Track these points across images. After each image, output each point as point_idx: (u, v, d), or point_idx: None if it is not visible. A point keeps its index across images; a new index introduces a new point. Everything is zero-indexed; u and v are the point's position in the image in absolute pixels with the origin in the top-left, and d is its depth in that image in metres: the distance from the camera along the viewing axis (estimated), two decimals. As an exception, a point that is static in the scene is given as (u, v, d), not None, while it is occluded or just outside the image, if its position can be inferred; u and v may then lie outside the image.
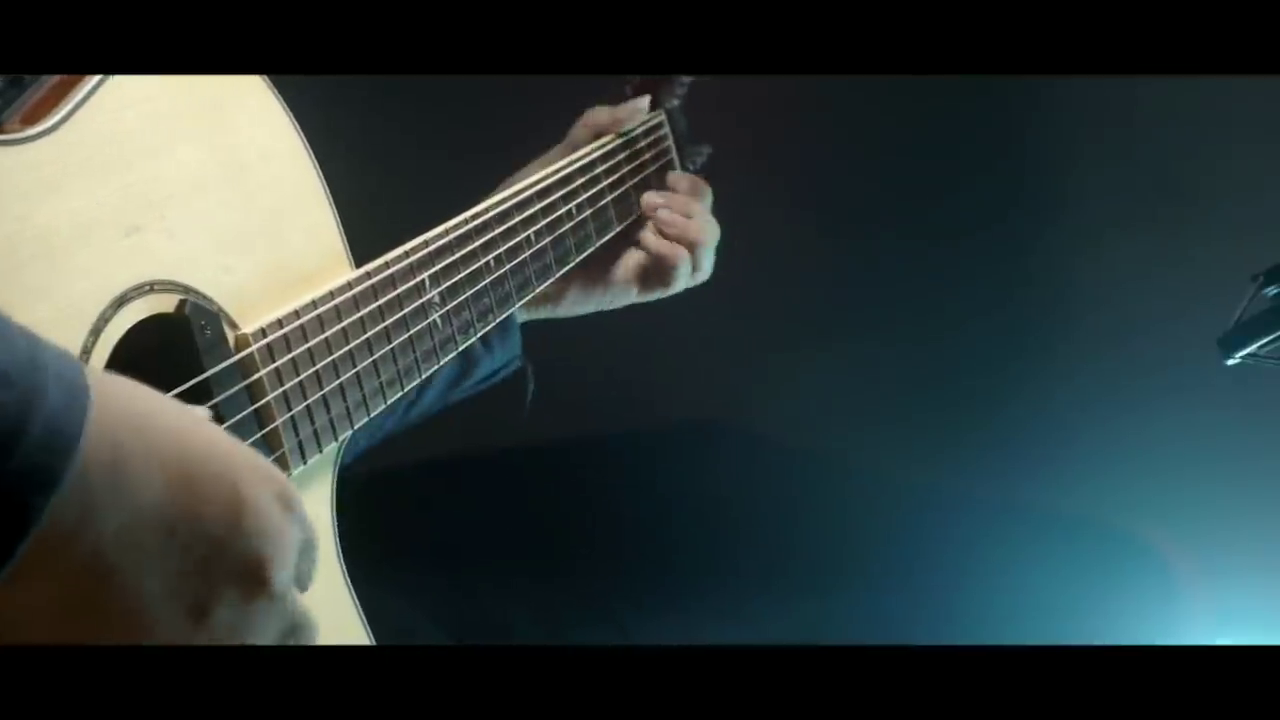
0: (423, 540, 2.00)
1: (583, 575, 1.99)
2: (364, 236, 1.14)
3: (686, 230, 1.50)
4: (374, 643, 1.07)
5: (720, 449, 2.19)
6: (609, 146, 1.47)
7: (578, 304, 1.52)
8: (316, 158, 1.09)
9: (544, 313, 1.52)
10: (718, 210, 1.59)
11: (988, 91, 1.99)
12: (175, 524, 0.70)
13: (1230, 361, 1.42)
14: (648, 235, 1.50)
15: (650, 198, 1.51)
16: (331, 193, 1.10)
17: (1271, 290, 1.39)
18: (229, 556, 0.72)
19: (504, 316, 1.44)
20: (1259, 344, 1.40)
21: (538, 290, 1.34)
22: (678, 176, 1.56)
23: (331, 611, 1.05)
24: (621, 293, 1.51)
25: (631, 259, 1.51)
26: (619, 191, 1.47)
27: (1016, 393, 2.11)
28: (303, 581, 0.79)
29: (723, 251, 1.59)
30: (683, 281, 1.51)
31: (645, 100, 1.52)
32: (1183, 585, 2.07)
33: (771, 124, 2.07)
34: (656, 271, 1.51)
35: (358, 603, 1.07)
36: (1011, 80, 1.55)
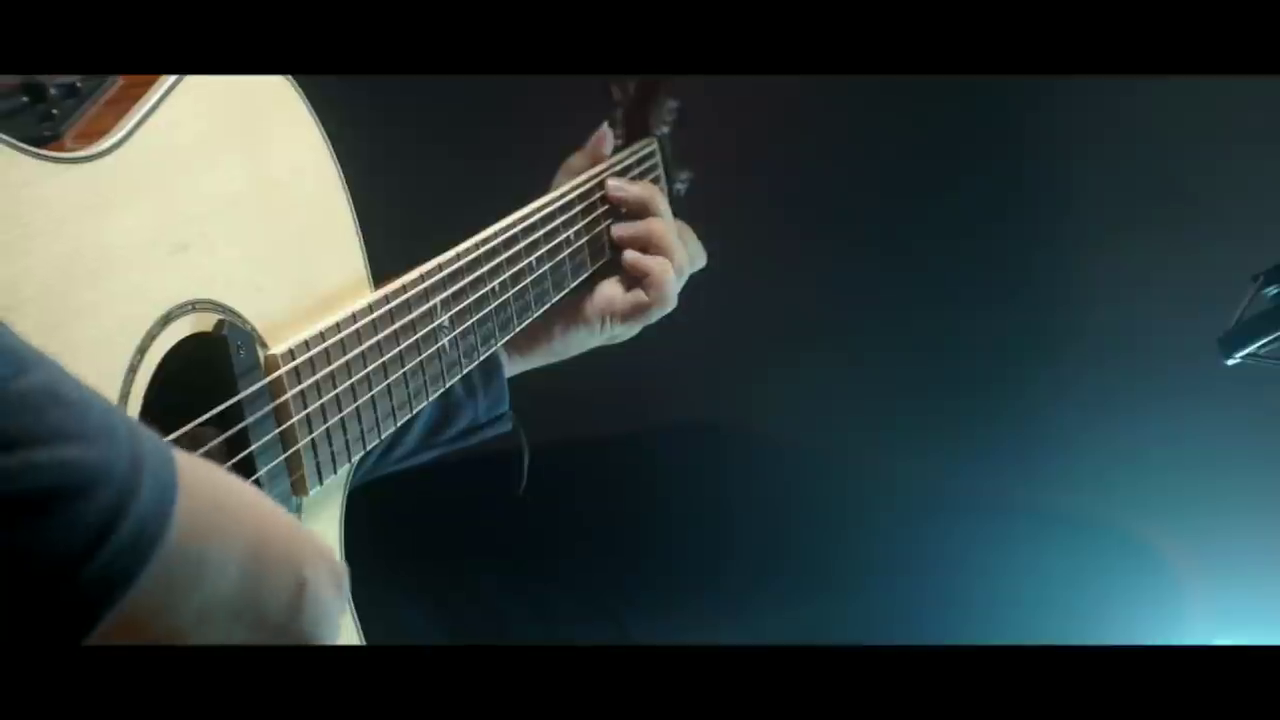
0: (421, 540, 2.00)
1: (581, 573, 2.00)
2: (377, 251, 1.14)
3: (650, 236, 1.48)
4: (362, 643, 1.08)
5: (719, 449, 2.19)
6: (606, 174, 1.47)
7: (570, 341, 1.48)
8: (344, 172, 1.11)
9: (539, 359, 1.49)
10: (722, 215, 1.58)
11: (988, 91, 1.99)
12: (244, 609, 0.73)
13: (1230, 361, 1.42)
14: (625, 255, 1.48)
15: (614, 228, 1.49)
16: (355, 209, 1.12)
17: (1271, 290, 1.39)
18: (288, 639, 0.76)
19: (491, 365, 1.42)
20: (1259, 344, 1.40)
21: (535, 315, 1.34)
22: (621, 197, 1.49)
23: None
24: (606, 316, 1.47)
25: (608, 283, 1.48)
26: (613, 219, 1.48)
27: (1015, 393, 2.11)
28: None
29: (725, 252, 1.59)
30: (670, 285, 1.47)
31: (606, 133, 1.51)
32: (1182, 585, 2.07)
33: (774, 124, 2.07)
34: (638, 282, 1.47)
35: (357, 620, 1.08)
36: (1011, 80, 1.55)
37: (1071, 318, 2.11)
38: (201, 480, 0.72)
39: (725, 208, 1.61)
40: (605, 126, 1.51)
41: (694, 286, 1.56)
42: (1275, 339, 1.39)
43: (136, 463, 0.66)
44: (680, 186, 1.64)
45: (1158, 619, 2.06)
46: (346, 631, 1.07)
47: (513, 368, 1.47)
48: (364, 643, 1.08)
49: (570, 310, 1.46)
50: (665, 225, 1.49)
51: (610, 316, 1.47)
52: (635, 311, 1.47)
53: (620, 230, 1.48)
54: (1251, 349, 1.40)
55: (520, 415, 1.47)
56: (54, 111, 0.90)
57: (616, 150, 1.53)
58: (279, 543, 0.75)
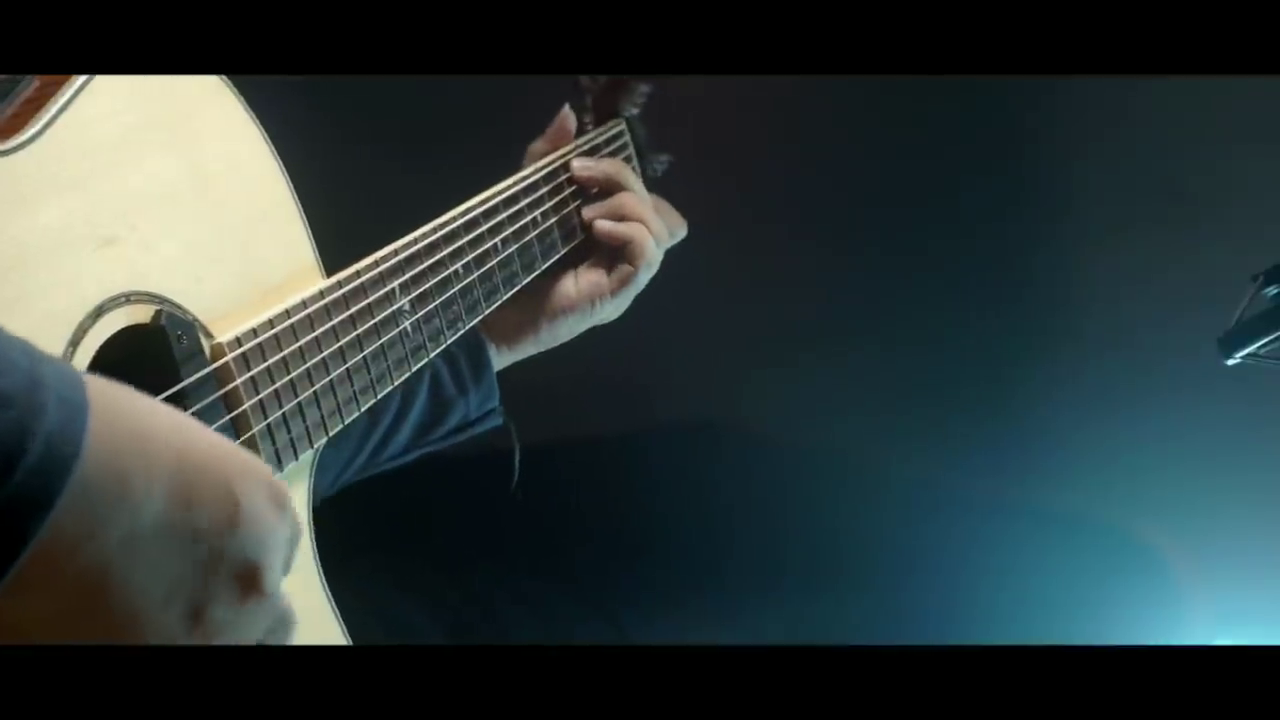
0: (420, 539, 2.00)
1: (579, 573, 2.00)
2: (332, 244, 1.14)
3: (622, 207, 1.47)
4: (348, 640, 1.07)
5: (717, 448, 2.19)
6: (572, 155, 1.46)
7: (558, 328, 1.47)
8: (285, 166, 1.09)
9: (528, 349, 1.48)
10: (720, 215, 1.58)
11: (988, 91, 1.99)
12: (174, 532, 0.70)
13: (1230, 361, 1.42)
14: (598, 225, 1.47)
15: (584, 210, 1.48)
16: (300, 201, 1.11)
17: (1271, 290, 1.39)
18: (225, 561, 0.73)
19: (479, 360, 1.43)
20: (1259, 344, 1.40)
21: (506, 298, 1.33)
22: (589, 176, 1.49)
23: (307, 615, 1.05)
24: (595, 298, 1.46)
25: (587, 266, 1.48)
26: (583, 199, 1.47)
27: (1015, 393, 2.11)
28: (287, 569, 0.79)
29: (725, 252, 1.59)
30: (651, 250, 1.46)
31: (568, 115, 1.50)
32: (1182, 585, 2.07)
33: (771, 124, 2.07)
34: (618, 254, 1.46)
35: (334, 604, 1.07)
36: (1012, 80, 1.55)
37: (1071, 318, 2.11)
38: (117, 400, 0.70)
39: (722, 207, 1.61)
40: (567, 108, 1.50)
41: (693, 285, 1.56)
42: (1275, 339, 1.39)
43: (37, 385, 0.64)
44: (657, 168, 1.63)
45: (1158, 619, 2.06)
46: (326, 622, 1.06)
47: (502, 360, 1.46)
48: (348, 638, 1.07)
49: (555, 297, 1.46)
50: (636, 197, 1.48)
51: (599, 298, 1.46)
52: (622, 285, 1.47)
53: (591, 210, 1.47)
54: (1251, 349, 1.40)
55: (518, 414, 1.47)
56: None
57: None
58: (208, 461, 0.72)
